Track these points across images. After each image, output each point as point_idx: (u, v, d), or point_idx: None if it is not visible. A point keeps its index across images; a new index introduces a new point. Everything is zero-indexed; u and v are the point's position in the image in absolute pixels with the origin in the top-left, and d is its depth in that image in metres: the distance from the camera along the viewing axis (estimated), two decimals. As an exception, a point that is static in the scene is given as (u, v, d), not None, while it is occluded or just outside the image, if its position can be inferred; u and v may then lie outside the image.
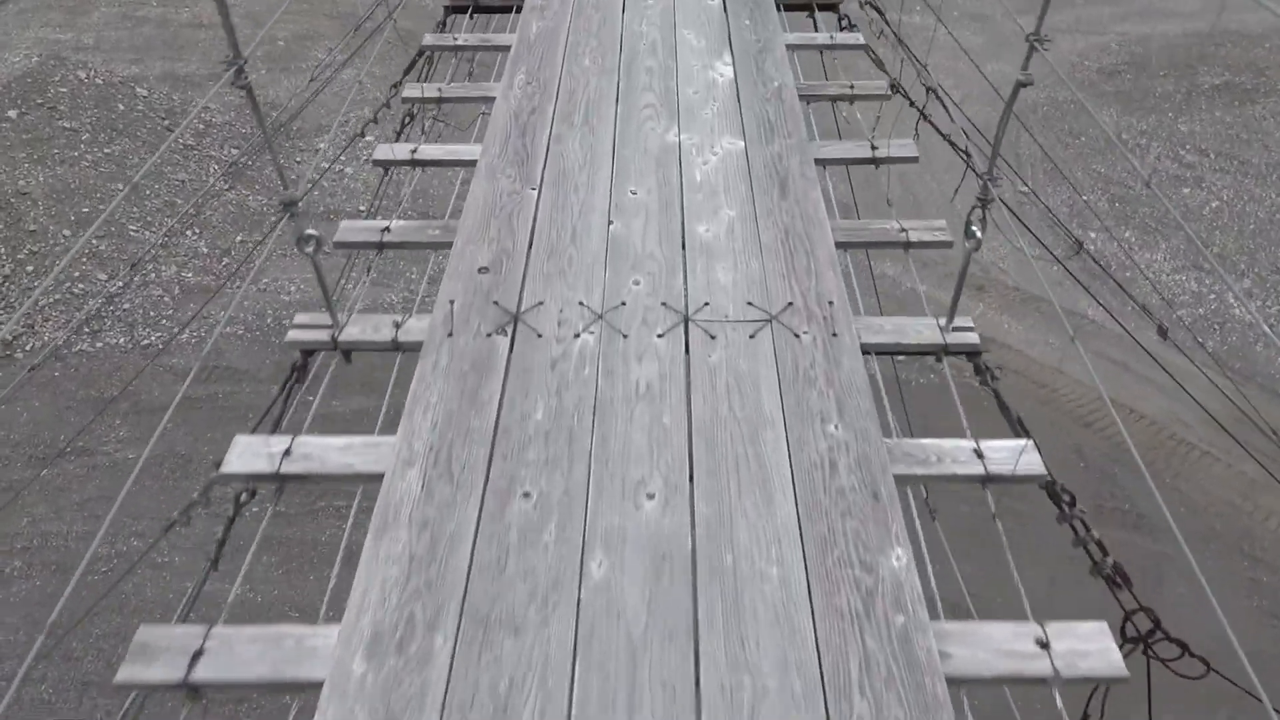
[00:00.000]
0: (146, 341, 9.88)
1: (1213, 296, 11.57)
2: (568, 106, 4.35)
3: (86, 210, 10.91)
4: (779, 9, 5.35)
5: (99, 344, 9.83)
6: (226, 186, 12.36)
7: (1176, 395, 9.36)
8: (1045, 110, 15.70)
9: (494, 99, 4.45)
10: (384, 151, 4.23)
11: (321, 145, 13.98)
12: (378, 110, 4.54)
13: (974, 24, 18.72)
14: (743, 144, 4.13)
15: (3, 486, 8.46)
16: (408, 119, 5.16)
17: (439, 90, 4.74)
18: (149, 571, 7.74)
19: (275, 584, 7.69)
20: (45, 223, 10.63)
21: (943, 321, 3.46)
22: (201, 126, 13.17)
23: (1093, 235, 12.60)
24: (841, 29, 5.41)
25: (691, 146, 4.11)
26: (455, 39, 5.25)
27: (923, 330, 3.40)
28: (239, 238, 11.54)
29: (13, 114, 11.69)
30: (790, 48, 5.01)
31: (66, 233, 10.63)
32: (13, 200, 10.69)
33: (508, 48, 4.88)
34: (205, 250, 11.20)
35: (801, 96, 4.62)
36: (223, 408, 9.21)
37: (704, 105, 4.41)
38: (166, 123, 12.91)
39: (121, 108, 12.70)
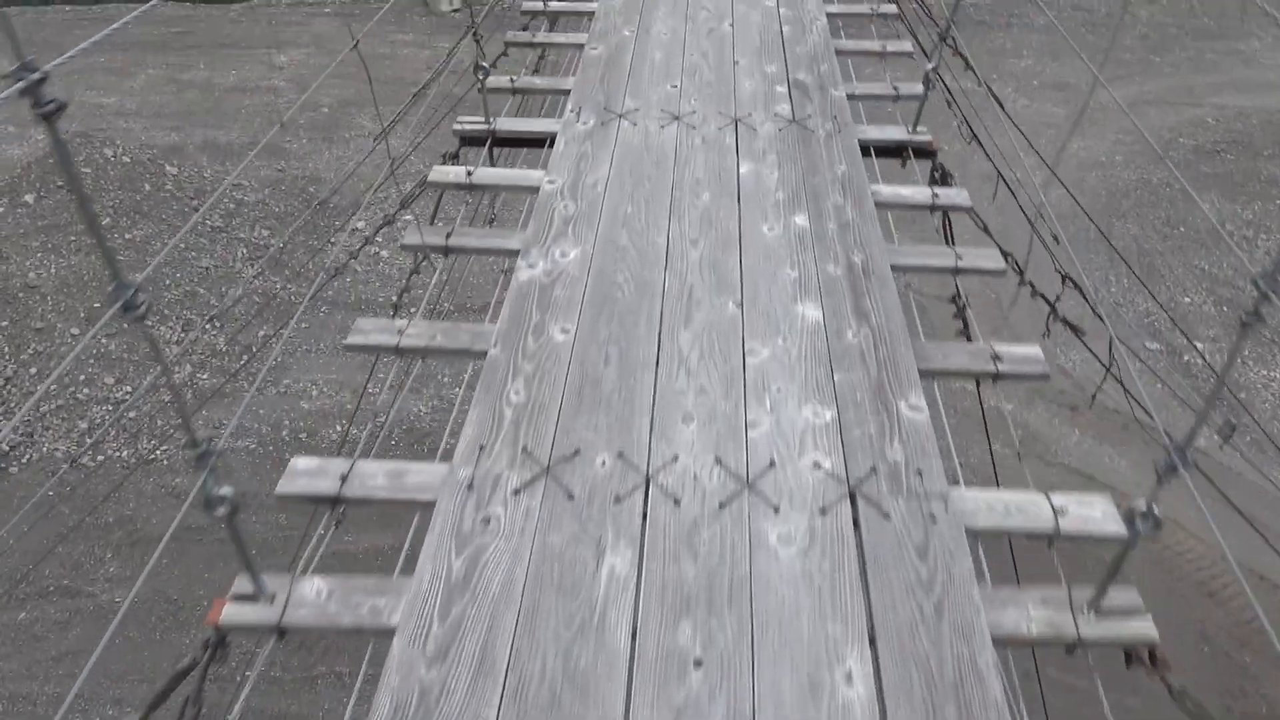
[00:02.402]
0: (151, 456, 9.05)
1: (1344, 426, 10.18)
2: None
3: (98, 305, 10.17)
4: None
5: (100, 457, 9.02)
6: (254, 274, 11.60)
7: (1316, 560, 8.06)
8: (1138, 194, 14.43)
9: None
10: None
11: (359, 225, 13.22)
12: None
13: (1056, 94, 17.52)
14: None
15: (-24, 632, 7.62)
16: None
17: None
18: (121, 750, 6.80)
19: (263, 773, 6.69)
20: (53, 319, 9.91)
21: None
22: (231, 205, 12.48)
23: (1199, 346, 11.28)
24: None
25: None
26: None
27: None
28: (261, 332, 10.73)
29: (29, 199, 11.08)
30: (1001, 642, 2.41)
31: (75, 330, 9.89)
32: (20, 294, 10.00)
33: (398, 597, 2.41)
34: (224, 347, 10.40)
35: None
36: (224, 541, 8.25)
37: None
38: (195, 203, 12.23)
39: (148, 188, 12.04)
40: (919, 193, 4.23)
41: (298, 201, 13.40)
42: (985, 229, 4.21)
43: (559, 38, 5.66)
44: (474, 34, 4.21)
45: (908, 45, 5.54)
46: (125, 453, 9.07)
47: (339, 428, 9.53)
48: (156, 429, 9.32)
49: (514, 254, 3.64)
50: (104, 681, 7.21)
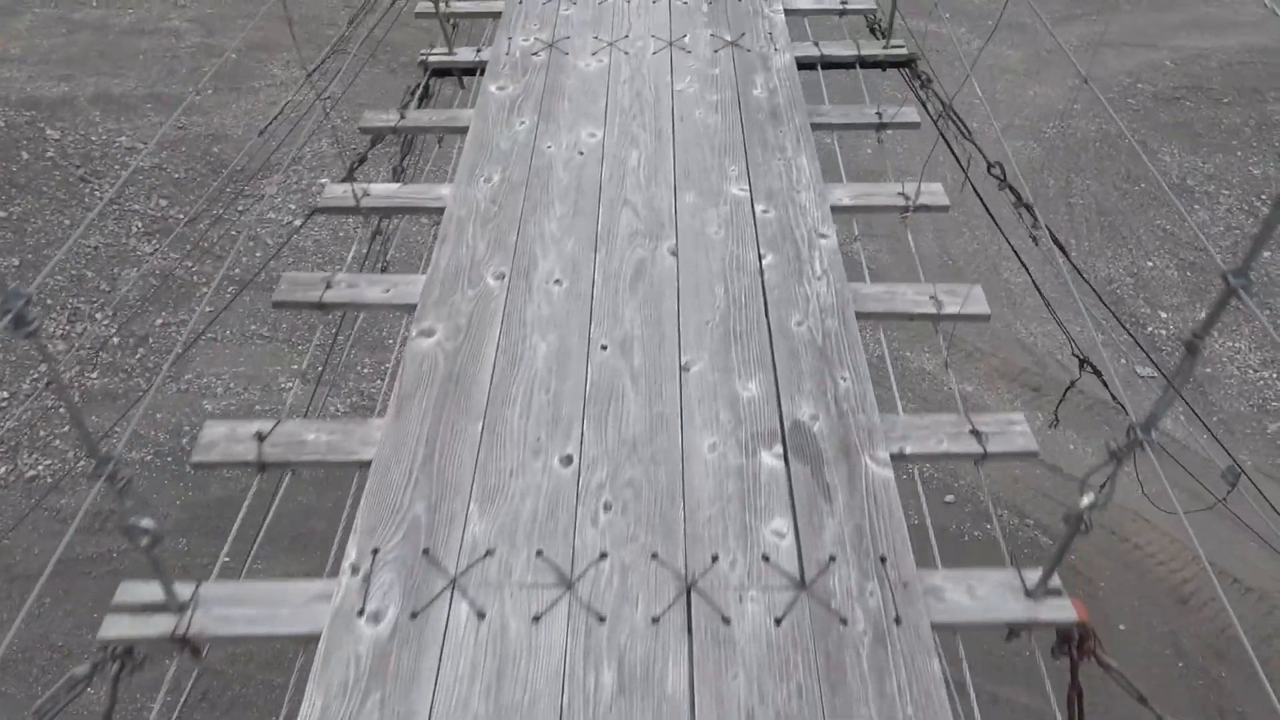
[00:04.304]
0: (32, 473, 8.12)
1: (1313, 402, 9.81)
2: None
3: (-32, 298, 9.07)
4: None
5: (-27, 475, 8.07)
6: (149, 251, 10.52)
7: (1291, 561, 7.69)
8: (1097, 147, 13.84)
9: None
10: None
11: (270, 190, 12.12)
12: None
13: (1014, 35, 16.75)
14: None
15: None
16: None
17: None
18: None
19: None
20: (-86, 317, 8.81)
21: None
22: (124, 172, 11.29)
23: (1164, 316, 10.82)
24: None
25: None
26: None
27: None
28: (159, 320, 9.74)
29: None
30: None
31: (-59, 329, 8.81)
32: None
33: None
34: (117, 340, 9.39)
35: None
36: (117, 572, 7.44)
37: None
38: (82, 171, 11.03)
39: (26, 156, 10.81)
40: None
41: (200, 165, 12.23)
42: None
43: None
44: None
45: (982, 305, 3.28)
46: (3, 469, 8.12)
47: (246, 433, 8.65)
48: (39, 440, 8.37)
49: None
50: (-24, 750, 6.42)
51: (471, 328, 3.07)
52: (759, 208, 3.59)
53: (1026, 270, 5.41)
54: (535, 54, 4.52)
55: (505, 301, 3.17)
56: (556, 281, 3.25)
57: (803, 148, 3.88)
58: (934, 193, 3.68)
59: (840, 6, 5.05)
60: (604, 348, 2.98)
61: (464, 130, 4.07)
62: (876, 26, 4.85)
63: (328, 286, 3.33)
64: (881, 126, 4.15)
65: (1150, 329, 10.64)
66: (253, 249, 11.12)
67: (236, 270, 10.65)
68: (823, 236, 3.45)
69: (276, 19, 16.14)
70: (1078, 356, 3.37)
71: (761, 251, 3.39)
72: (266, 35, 15.51)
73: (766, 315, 3.12)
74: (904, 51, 4.61)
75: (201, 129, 13.01)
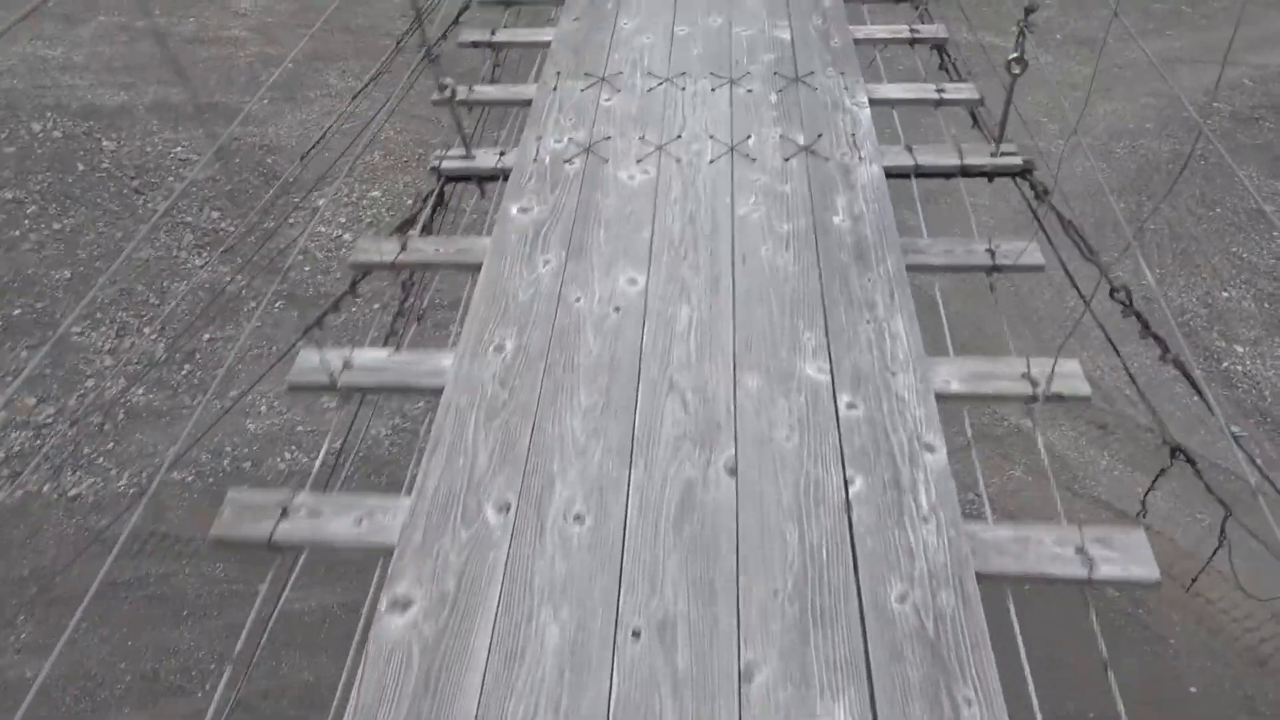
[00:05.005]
0: (75, 491, 8.10)
1: (1401, 448, 9.24)
2: None
3: (19, 312, 9.12)
4: None
5: (18, 493, 8.07)
6: (199, 264, 10.51)
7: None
8: (1171, 168, 13.27)
9: None
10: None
11: (321, 202, 12.09)
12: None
13: (1081, 50, 16.20)
14: None
15: None
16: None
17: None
18: None
19: None
20: (-35, 330, 8.88)
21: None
22: (176, 183, 11.31)
23: (1239, 350, 10.29)
24: None
25: None
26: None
27: None
28: (207, 335, 9.70)
29: (-61, 186, 9.96)
30: None
31: (-9, 343, 8.86)
32: (-73, 302, 8.97)
33: None
34: (162, 354, 9.37)
35: None
36: (154, 598, 7.40)
37: None
38: (136, 183, 11.07)
39: (81, 168, 10.88)
40: None
41: (253, 176, 12.23)
42: None
43: None
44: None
45: (1150, 567, 2.38)
46: (46, 487, 8.11)
47: (288, 455, 8.58)
48: (82, 458, 8.35)
49: None
50: (7, 780, 6.36)
51: (461, 596, 2.26)
52: (843, 400, 2.72)
53: (1114, 348, 5.06)
54: (568, 160, 3.80)
55: (508, 551, 2.35)
56: (577, 518, 2.43)
57: (898, 304, 3.03)
58: (1071, 375, 2.82)
59: (937, 96, 4.24)
60: (636, 635, 2.16)
61: (477, 267, 3.35)
62: (981, 123, 4.22)
63: (283, 515, 2.52)
64: (996, 269, 3.38)
65: (1225, 364, 10.12)
66: (302, 263, 11.07)
67: (285, 285, 10.60)
68: (929, 449, 2.55)
69: (332, 28, 16.24)
70: (1170, 444, 3.06)
71: (848, 474, 2.50)
72: (322, 45, 15.56)
73: (857, 581, 2.25)
74: (1018, 160, 3.84)
75: (255, 140, 13.02)
